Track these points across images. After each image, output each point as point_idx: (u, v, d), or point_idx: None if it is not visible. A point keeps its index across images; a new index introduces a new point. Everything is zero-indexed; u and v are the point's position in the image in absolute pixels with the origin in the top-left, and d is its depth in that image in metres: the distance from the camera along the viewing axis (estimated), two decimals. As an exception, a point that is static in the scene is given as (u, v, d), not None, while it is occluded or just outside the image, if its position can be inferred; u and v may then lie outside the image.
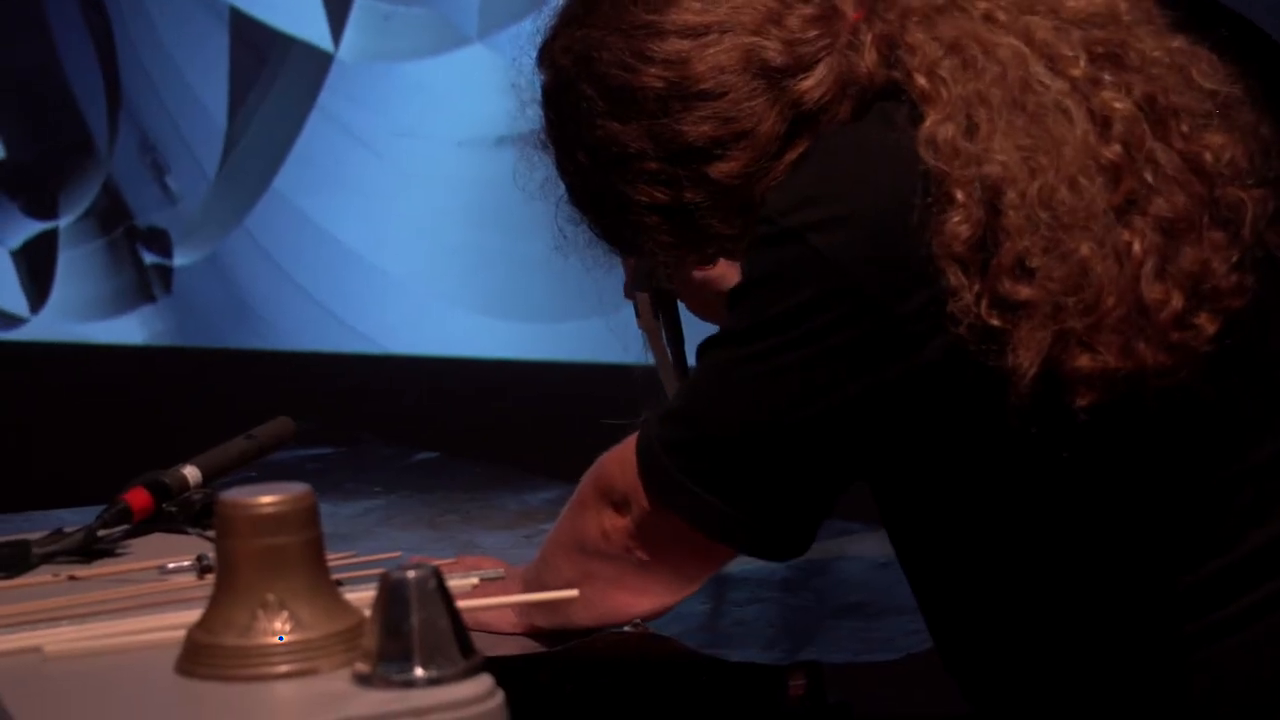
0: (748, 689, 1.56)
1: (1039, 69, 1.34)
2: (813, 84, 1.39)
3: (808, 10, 1.39)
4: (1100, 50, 1.36)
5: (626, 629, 1.54)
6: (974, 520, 1.42)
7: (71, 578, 1.53)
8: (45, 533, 1.62)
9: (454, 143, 3.76)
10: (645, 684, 1.57)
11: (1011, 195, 1.30)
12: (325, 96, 3.94)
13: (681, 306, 1.68)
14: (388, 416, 3.50)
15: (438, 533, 1.95)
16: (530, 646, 1.58)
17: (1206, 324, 1.33)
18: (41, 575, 1.55)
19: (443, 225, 3.80)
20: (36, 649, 1.23)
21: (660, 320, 1.66)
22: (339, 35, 3.88)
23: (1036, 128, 1.32)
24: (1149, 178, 1.33)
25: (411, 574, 1.10)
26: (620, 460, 1.50)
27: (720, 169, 1.40)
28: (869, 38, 1.38)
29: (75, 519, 1.74)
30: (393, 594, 1.10)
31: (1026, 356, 1.29)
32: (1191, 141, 1.35)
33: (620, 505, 1.50)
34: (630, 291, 1.66)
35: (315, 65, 3.93)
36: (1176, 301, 1.31)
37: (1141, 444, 1.37)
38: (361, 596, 1.18)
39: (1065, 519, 1.39)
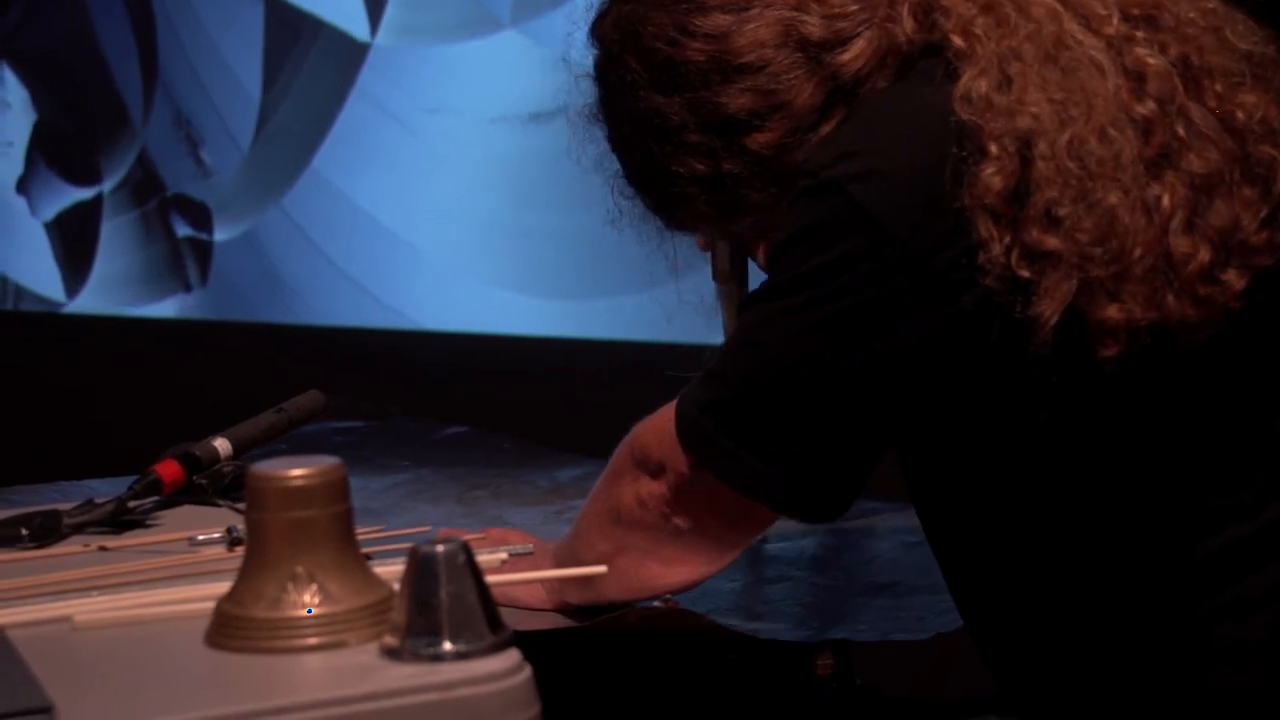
0: (775, 667, 1.56)
1: (1073, 26, 1.35)
2: (851, 57, 1.41)
3: None
4: (1135, 10, 1.37)
5: (656, 604, 1.54)
6: (1000, 484, 1.42)
7: (102, 548, 1.53)
8: (76, 503, 1.62)
9: (486, 120, 3.76)
10: (673, 660, 1.57)
11: (1042, 146, 1.31)
12: (358, 74, 3.94)
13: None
14: (418, 391, 3.51)
15: (466, 508, 1.95)
16: (559, 622, 1.57)
17: (1234, 279, 1.34)
18: (72, 545, 1.55)
19: (475, 201, 3.80)
20: (66, 619, 1.23)
21: (734, 273, 1.65)
22: (376, 22, 3.88)
23: (1069, 81, 1.33)
24: (1181, 132, 1.34)
25: (440, 548, 1.10)
26: (656, 427, 1.50)
27: (758, 140, 1.43)
28: (905, 6, 1.40)
29: (106, 490, 1.74)
30: (422, 568, 1.10)
31: (1050, 304, 1.30)
32: (1225, 100, 1.36)
33: (656, 472, 1.50)
34: (710, 243, 1.64)
35: (350, 46, 3.93)
36: (1204, 255, 1.32)
37: (1167, 403, 1.37)
38: (390, 570, 1.18)
39: (1089, 481, 1.39)
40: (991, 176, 1.31)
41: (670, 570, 1.52)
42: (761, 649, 1.54)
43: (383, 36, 3.88)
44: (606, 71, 1.50)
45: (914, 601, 1.63)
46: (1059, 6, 1.36)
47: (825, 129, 1.41)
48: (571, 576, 1.53)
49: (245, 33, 4.12)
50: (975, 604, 1.49)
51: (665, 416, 1.49)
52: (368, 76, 3.92)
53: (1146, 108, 1.33)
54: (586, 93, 1.54)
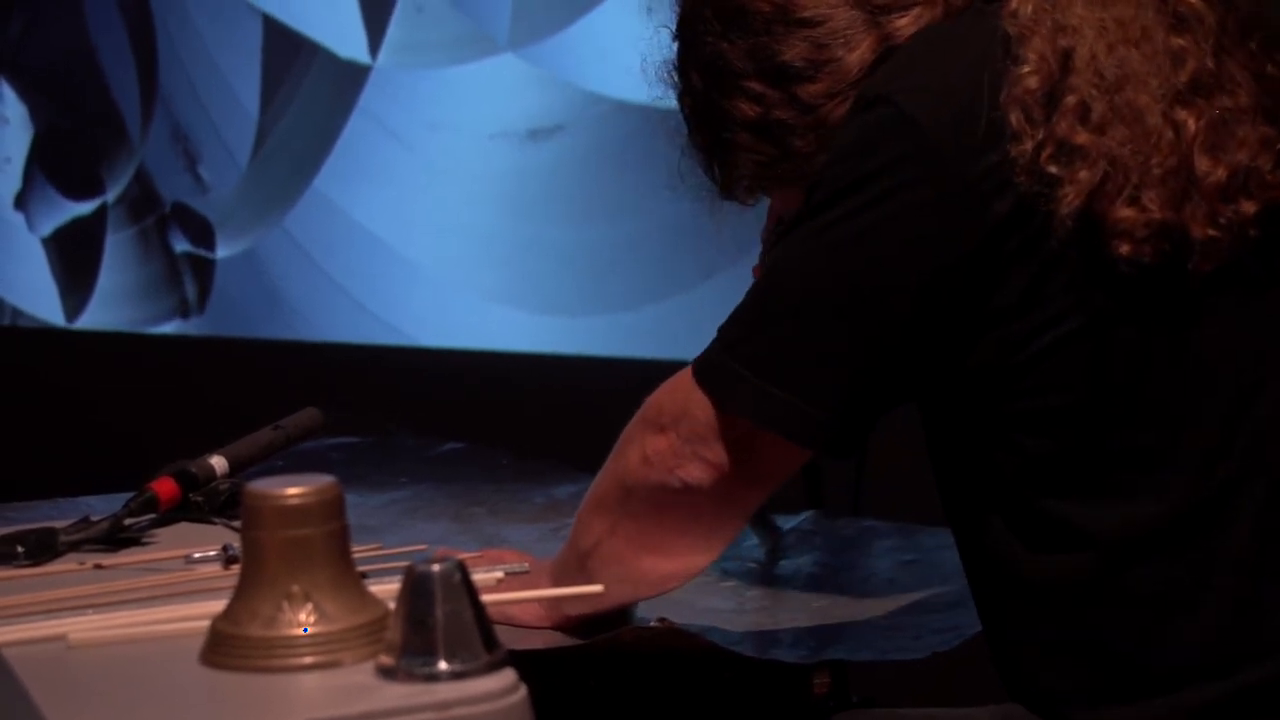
0: (772, 687, 1.56)
1: None
2: (907, 22, 1.48)
3: None
4: None
5: (652, 624, 1.54)
6: (1003, 428, 1.42)
7: (97, 566, 1.53)
8: (72, 520, 1.62)
9: (484, 136, 3.76)
10: (669, 680, 1.56)
11: (1081, 52, 1.38)
12: (358, 95, 3.95)
13: None
14: (415, 408, 3.50)
15: (463, 525, 1.95)
16: (555, 640, 1.57)
17: (1249, 207, 1.39)
18: (67, 563, 1.55)
19: (473, 218, 3.81)
20: (61, 637, 1.23)
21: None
22: (376, 45, 3.90)
23: (1111, 9, 1.40)
24: (1211, 67, 1.40)
25: (436, 568, 1.10)
26: (671, 385, 1.50)
27: (809, 90, 1.49)
28: None
29: (103, 506, 1.74)
30: (417, 587, 1.10)
31: (1073, 191, 1.35)
32: (1258, 56, 1.42)
33: (667, 425, 1.49)
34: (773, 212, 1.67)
35: (350, 67, 3.94)
36: (1222, 173, 1.38)
37: (1173, 339, 1.39)
38: (386, 589, 1.18)
39: (1106, 423, 1.40)
40: (1029, 75, 1.37)
41: (665, 560, 1.52)
42: (758, 669, 1.54)
43: (383, 58, 3.90)
44: (685, 25, 1.57)
45: (911, 621, 1.63)
46: None
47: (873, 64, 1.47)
48: (567, 595, 1.53)
49: (244, 50, 4.13)
50: (987, 578, 1.48)
51: (681, 374, 1.49)
52: (367, 94, 3.93)
53: (1184, 39, 1.40)
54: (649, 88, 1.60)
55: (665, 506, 1.50)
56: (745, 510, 1.55)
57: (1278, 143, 1.41)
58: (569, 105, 3.62)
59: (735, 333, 1.46)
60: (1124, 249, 1.36)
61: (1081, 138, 1.36)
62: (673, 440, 1.48)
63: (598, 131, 3.59)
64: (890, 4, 1.48)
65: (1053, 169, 1.36)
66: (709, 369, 1.47)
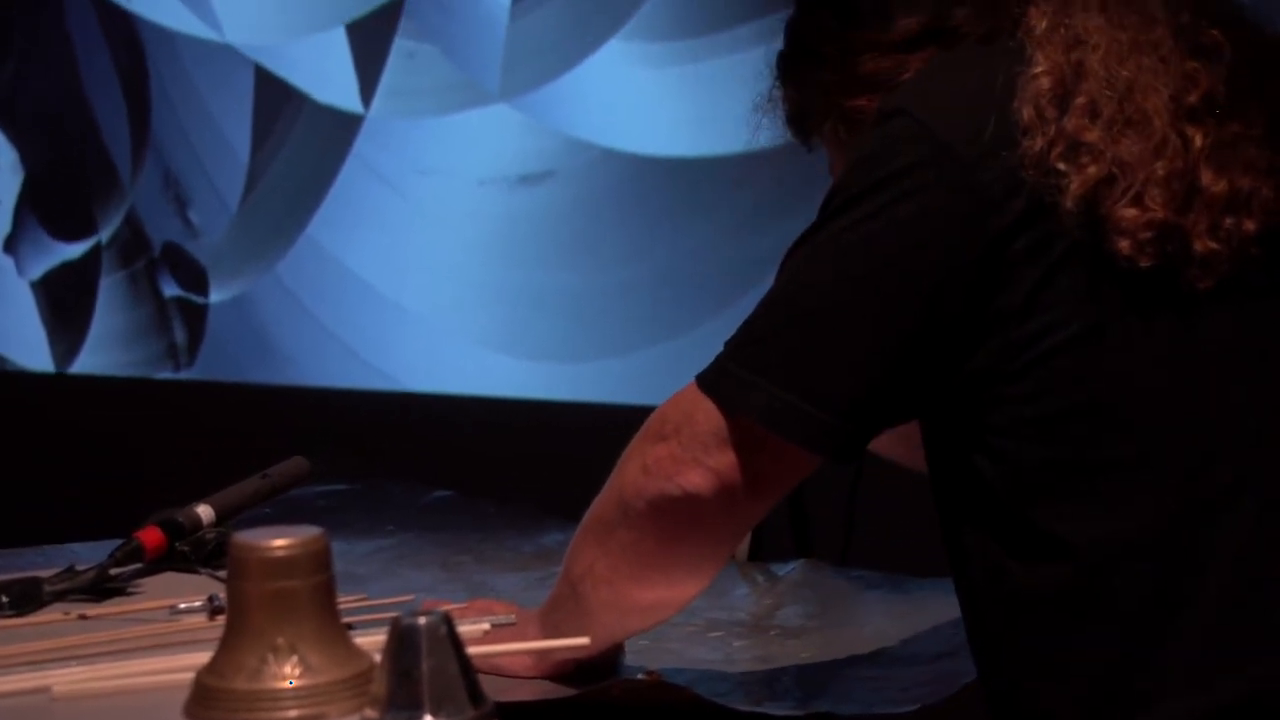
0: (759, 739, 1.55)
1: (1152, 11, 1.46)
2: (964, 17, 1.52)
3: None
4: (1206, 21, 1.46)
5: (640, 676, 1.53)
6: (1018, 450, 1.42)
7: (82, 616, 1.53)
8: (57, 569, 1.62)
9: (475, 181, 3.77)
10: (656, 732, 1.55)
11: (1094, 61, 1.42)
12: (351, 142, 3.96)
13: None
14: (404, 454, 3.50)
15: (450, 573, 1.94)
16: (543, 692, 1.56)
17: (1249, 224, 1.41)
18: (52, 613, 1.54)
19: (462, 263, 3.81)
20: (45, 689, 1.23)
21: None
22: (369, 95, 3.91)
23: (1130, 29, 1.44)
24: (1222, 91, 1.42)
25: (422, 620, 1.09)
26: (674, 398, 1.50)
27: (865, 36, 1.55)
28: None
29: (89, 554, 1.73)
30: (403, 640, 1.09)
31: (1078, 181, 1.38)
32: (1271, 96, 1.45)
33: (669, 434, 1.48)
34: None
35: (342, 116, 3.96)
36: (1225, 187, 1.41)
37: (1168, 360, 1.41)
38: (372, 640, 1.17)
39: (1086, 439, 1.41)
40: (1042, 77, 1.41)
41: (656, 586, 1.50)
42: (745, 721, 1.53)
43: (375, 105, 3.91)
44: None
45: (899, 673, 1.62)
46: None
47: (913, 57, 1.53)
48: (553, 648, 1.52)
49: (236, 96, 4.13)
50: (978, 599, 1.48)
51: (685, 386, 1.49)
52: (359, 141, 3.94)
53: (1198, 63, 1.43)
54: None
55: (664, 516, 1.48)
56: (743, 525, 1.54)
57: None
58: (559, 151, 3.63)
59: (743, 339, 1.47)
60: (1124, 246, 1.38)
61: (1091, 135, 1.39)
62: (674, 448, 1.47)
63: (587, 178, 3.60)
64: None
65: (1061, 165, 1.39)
66: (715, 375, 1.47)
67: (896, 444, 1.66)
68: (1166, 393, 1.41)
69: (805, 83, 1.60)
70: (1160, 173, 1.39)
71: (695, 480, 1.46)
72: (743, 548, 1.99)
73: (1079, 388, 1.40)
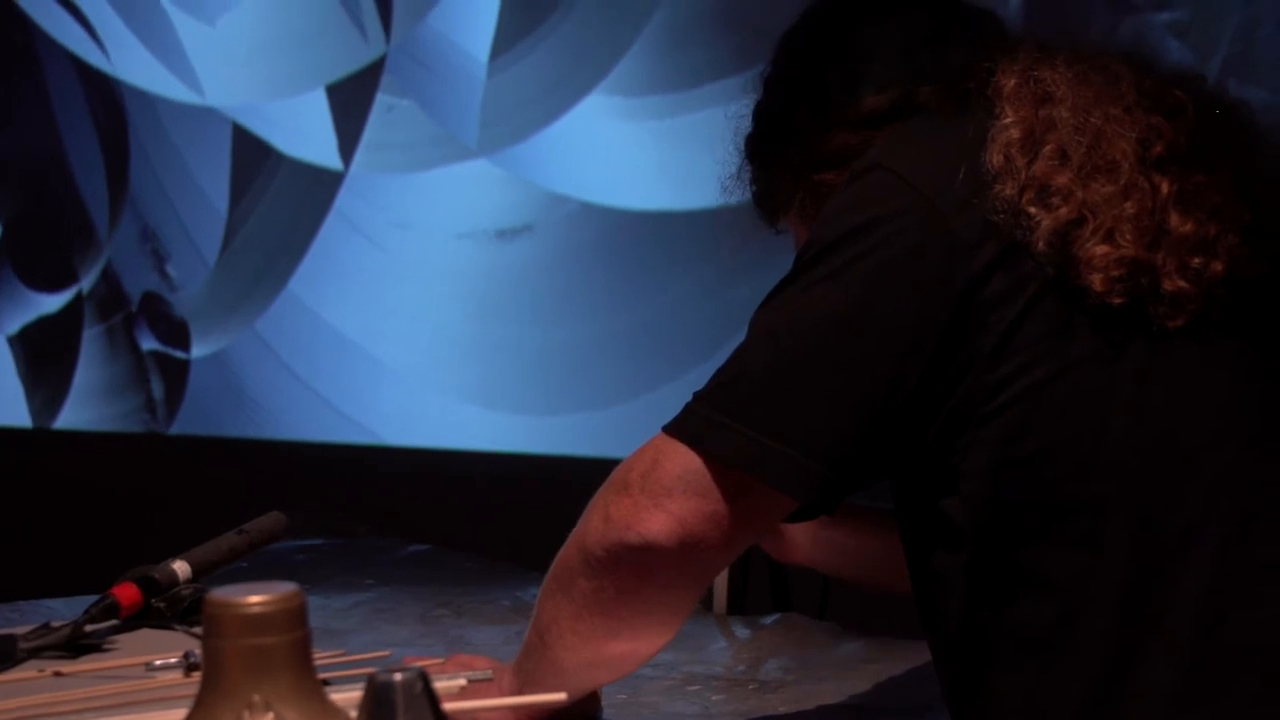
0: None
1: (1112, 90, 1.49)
2: (931, 94, 1.53)
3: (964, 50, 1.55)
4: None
5: (617, 731, 1.53)
6: (992, 500, 1.42)
7: (57, 674, 1.52)
8: (32, 626, 1.61)
9: (453, 235, 3.77)
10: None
11: (1063, 109, 1.46)
12: (331, 198, 3.97)
13: None
14: (382, 508, 3.49)
15: (428, 627, 1.94)
16: (520, 747, 1.56)
17: (1216, 265, 1.43)
18: (27, 670, 1.53)
19: (441, 316, 3.81)
20: (19, 747, 1.22)
21: None
22: (349, 150, 3.93)
23: (1095, 87, 1.48)
24: (1185, 144, 1.46)
25: (398, 677, 1.09)
26: (639, 449, 1.49)
27: (834, 114, 1.57)
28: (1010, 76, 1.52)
29: (64, 609, 1.73)
30: (379, 697, 1.09)
31: (1049, 220, 1.41)
32: (1240, 151, 1.49)
33: (630, 485, 1.46)
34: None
35: (320, 172, 3.97)
36: (1192, 228, 1.43)
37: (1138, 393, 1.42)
38: (349, 697, 1.17)
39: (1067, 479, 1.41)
40: (1011, 128, 1.45)
41: (621, 639, 1.49)
42: (725, 775, 1.53)
43: (355, 164, 3.92)
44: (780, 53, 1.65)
45: (878, 726, 1.62)
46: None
47: (876, 135, 1.54)
48: (529, 704, 1.51)
49: (214, 152, 4.14)
50: (949, 649, 1.48)
51: (651, 438, 1.48)
52: (339, 196, 3.95)
53: (1161, 119, 1.46)
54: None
55: (621, 566, 1.47)
56: (702, 576, 1.51)
57: (1248, 221, 1.45)
58: (537, 205, 3.64)
59: (714, 386, 1.47)
60: (1096, 281, 1.40)
61: (1061, 179, 1.43)
62: (636, 495, 1.45)
63: (565, 232, 3.61)
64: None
65: (1032, 209, 1.41)
66: (685, 420, 1.46)
67: (829, 554, 1.68)
68: (1134, 431, 1.42)
69: (772, 161, 1.62)
70: (1130, 211, 1.42)
71: (654, 527, 1.45)
72: (721, 601, 1.99)
73: (1051, 429, 1.41)
